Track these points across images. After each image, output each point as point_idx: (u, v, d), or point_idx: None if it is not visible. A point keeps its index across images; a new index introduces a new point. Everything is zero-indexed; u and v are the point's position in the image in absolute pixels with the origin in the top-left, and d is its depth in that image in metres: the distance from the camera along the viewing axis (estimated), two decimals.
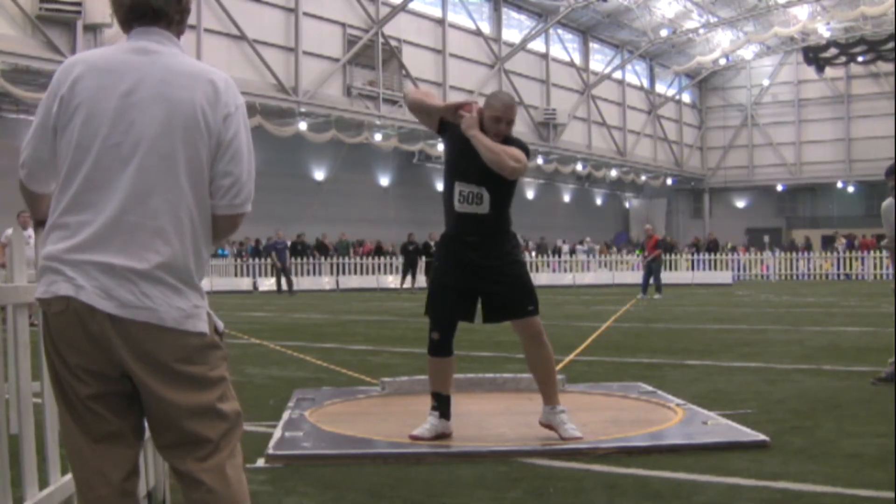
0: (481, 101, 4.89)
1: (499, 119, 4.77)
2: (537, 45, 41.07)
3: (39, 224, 2.40)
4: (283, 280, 26.17)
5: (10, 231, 12.20)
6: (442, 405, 4.92)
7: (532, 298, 4.88)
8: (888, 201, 7.03)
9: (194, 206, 2.26)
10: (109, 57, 2.29)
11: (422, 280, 26.93)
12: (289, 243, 27.50)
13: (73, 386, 2.23)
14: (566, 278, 30.97)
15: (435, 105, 4.92)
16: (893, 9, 37.27)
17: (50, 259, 2.21)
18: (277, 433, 4.95)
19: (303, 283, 27.58)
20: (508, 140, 4.83)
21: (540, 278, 28.65)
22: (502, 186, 4.84)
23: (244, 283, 27.97)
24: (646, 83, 49.86)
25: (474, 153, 4.72)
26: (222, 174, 2.30)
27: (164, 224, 2.21)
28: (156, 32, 2.31)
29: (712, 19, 44.61)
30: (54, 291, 2.18)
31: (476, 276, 4.86)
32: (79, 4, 22.69)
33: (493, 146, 4.69)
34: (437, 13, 36.22)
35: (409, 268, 26.99)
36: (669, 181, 51.61)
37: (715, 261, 32.61)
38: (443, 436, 4.87)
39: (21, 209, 11.72)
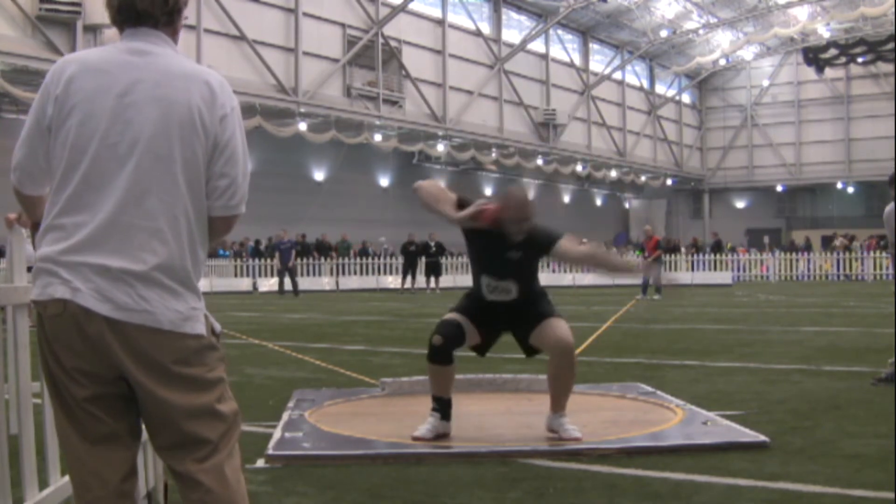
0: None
1: (521, 219, 4.74)
2: (537, 45, 41.06)
3: (36, 226, 2.39)
4: (287, 280, 25.90)
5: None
6: (443, 407, 4.93)
7: (552, 307, 5.08)
8: (890, 206, 7.04)
9: (191, 207, 2.25)
10: (104, 57, 2.28)
11: (421, 280, 26.93)
12: (295, 242, 27.23)
13: (68, 388, 2.22)
14: (566, 278, 30.92)
15: (448, 214, 4.71)
16: (893, 9, 37.30)
17: (45, 261, 2.19)
18: (277, 433, 4.95)
19: (303, 283, 27.49)
20: (535, 231, 4.87)
21: (540, 279, 28.52)
22: (531, 276, 5.05)
23: (244, 284, 27.93)
24: (646, 84, 49.87)
25: (497, 250, 4.81)
26: (219, 175, 2.29)
27: (161, 225, 2.20)
28: (147, 33, 2.30)
29: (712, 20, 44.63)
30: (50, 294, 2.17)
31: (501, 319, 5.01)
32: (78, 5, 22.72)
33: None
34: (437, 13, 36.22)
35: (409, 268, 26.96)
36: (669, 182, 51.63)
37: (715, 261, 32.57)
38: (443, 436, 4.87)
39: (10, 211, 11.34)
